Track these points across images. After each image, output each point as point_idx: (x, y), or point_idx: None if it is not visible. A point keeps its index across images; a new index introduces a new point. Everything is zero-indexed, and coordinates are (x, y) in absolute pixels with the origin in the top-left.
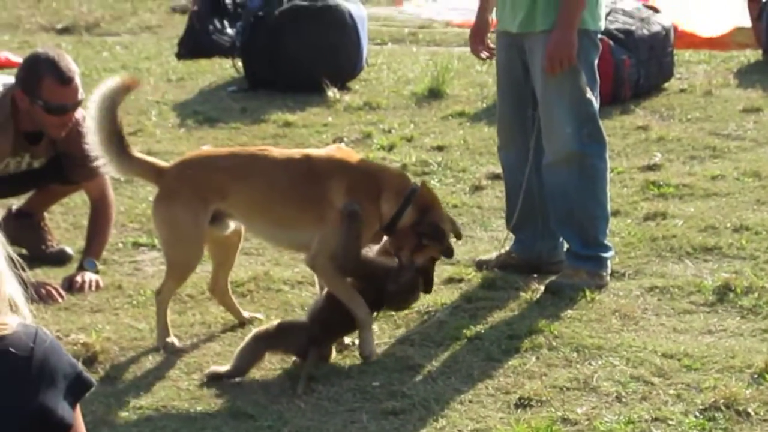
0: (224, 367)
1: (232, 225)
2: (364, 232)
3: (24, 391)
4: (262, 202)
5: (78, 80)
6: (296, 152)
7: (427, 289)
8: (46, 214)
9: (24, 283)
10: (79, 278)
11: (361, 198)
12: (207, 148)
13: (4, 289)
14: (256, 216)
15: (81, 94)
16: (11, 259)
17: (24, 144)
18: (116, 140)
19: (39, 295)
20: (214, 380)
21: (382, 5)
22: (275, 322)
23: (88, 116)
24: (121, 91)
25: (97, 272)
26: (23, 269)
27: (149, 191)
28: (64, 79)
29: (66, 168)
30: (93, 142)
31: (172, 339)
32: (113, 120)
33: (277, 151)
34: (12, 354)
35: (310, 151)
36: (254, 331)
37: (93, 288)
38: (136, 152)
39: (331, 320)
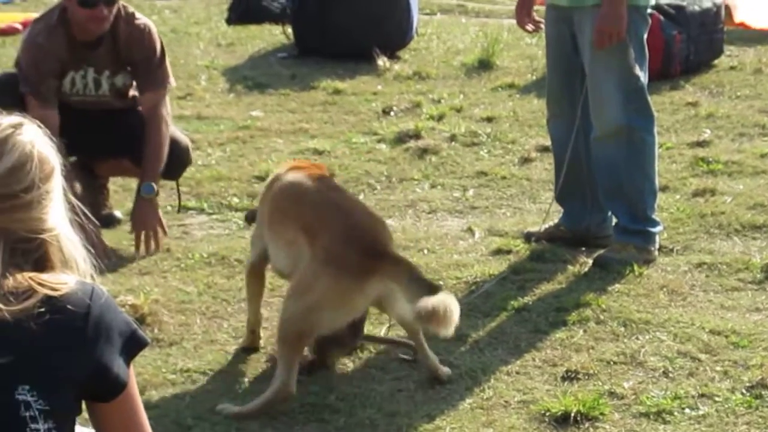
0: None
1: None
2: None
3: (81, 346)
4: None
5: None
6: None
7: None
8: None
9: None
10: (140, 237)
11: None
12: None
13: (67, 248)
14: None
15: None
16: (78, 214)
17: (82, 52)
18: None
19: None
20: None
21: None
22: None
23: None
24: None
25: (156, 195)
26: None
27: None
28: None
29: (135, 79)
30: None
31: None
32: None
33: None
34: (70, 311)
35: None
36: None
37: (153, 249)
38: None
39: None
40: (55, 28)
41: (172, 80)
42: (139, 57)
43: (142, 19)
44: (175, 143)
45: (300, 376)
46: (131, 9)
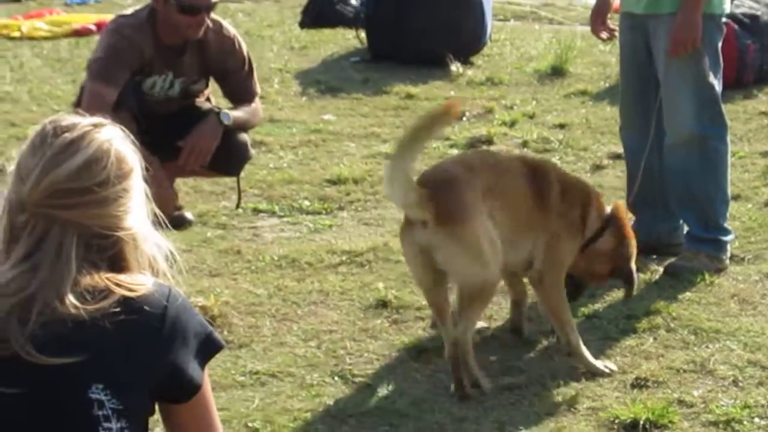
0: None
1: None
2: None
3: (157, 347)
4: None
5: None
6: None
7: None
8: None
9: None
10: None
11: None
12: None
13: (145, 248)
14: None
15: None
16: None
17: (167, 56)
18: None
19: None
20: None
21: None
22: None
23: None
24: (443, 121)
25: (227, 127)
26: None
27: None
28: None
29: (223, 86)
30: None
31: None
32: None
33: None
34: (146, 312)
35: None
36: None
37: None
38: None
39: None
40: (143, 26)
41: (259, 88)
42: (231, 67)
43: (230, 29)
44: (234, 137)
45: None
46: (216, 17)
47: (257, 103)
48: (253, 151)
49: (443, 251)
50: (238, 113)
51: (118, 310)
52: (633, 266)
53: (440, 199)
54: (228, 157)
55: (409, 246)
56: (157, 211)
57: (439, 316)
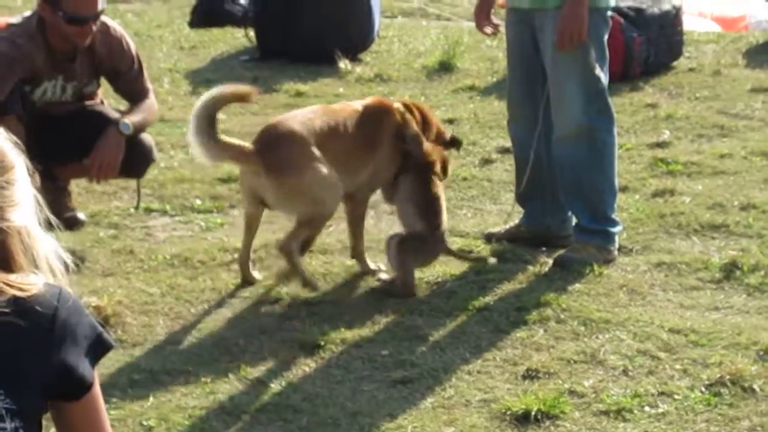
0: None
1: None
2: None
3: (47, 347)
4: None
5: None
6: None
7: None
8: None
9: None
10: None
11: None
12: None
13: (35, 247)
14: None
15: (102, 4)
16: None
17: (58, 62)
18: (209, 129)
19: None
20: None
21: None
22: (400, 234)
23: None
24: (231, 98)
25: (127, 136)
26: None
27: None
28: None
29: (115, 85)
30: (188, 129)
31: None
32: (211, 116)
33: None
34: (37, 312)
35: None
36: (393, 245)
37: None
38: (225, 138)
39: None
40: (34, 36)
41: (150, 84)
42: (122, 67)
43: (117, 29)
44: (139, 141)
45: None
46: (104, 18)
47: (151, 98)
48: (157, 153)
49: (273, 197)
50: (136, 117)
51: (8, 310)
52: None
53: (271, 153)
54: (133, 161)
55: (245, 187)
56: (49, 214)
57: (249, 228)
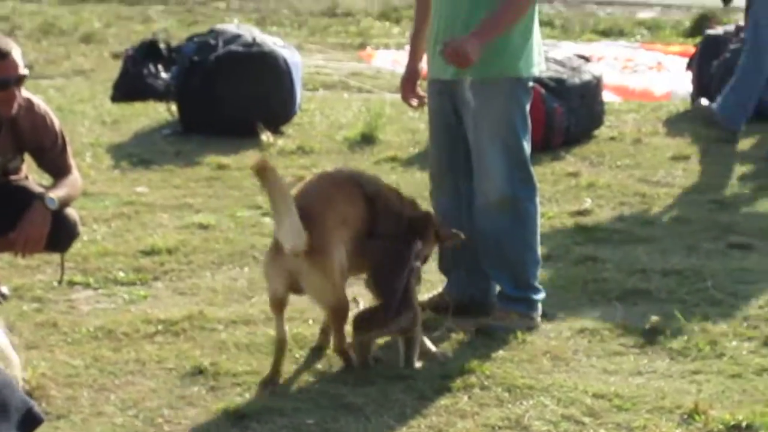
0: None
1: None
2: None
3: None
4: None
5: (16, 55)
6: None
7: None
8: None
9: None
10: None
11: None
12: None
13: None
14: None
15: (23, 70)
16: None
17: None
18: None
19: None
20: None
21: (343, 61)
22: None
23: None
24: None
25: (53, 211)
26: None
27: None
28: (1, 53)
29: (39, 161)
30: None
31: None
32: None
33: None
34: None
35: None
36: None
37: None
38: None
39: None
40: None
41: (73, 161)
42: (46, 144)
43: (41, 105)
44: (64, 216)
45: None
46: (28, 95)
47: (75, 173)
48: (81, 228)
49: (309, 279)
50: (61, 192)
51: None
52: None
53: (310, 233)
54: (58, 236)
55: (275, 269)
56: None
57: (278, 313)
